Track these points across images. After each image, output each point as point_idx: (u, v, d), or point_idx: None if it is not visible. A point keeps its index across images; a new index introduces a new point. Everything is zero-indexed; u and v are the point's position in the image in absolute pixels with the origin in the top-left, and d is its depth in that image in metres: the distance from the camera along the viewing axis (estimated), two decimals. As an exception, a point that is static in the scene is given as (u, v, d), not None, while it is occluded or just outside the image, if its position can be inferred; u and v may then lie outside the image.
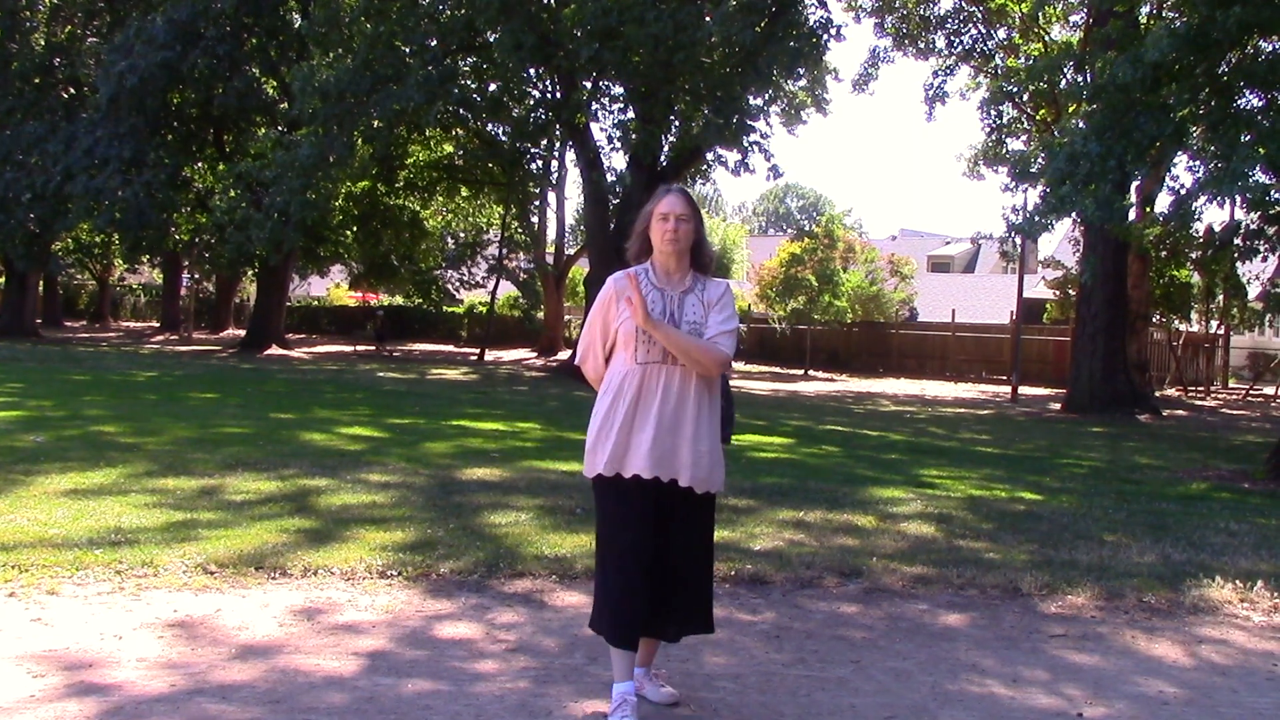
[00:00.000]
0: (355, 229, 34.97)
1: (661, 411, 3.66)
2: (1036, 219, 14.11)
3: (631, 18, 20.14)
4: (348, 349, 33.67)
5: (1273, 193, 12.03)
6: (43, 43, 30.55)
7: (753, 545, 6.22)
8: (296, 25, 28.34)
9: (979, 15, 26.06)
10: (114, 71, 25.03)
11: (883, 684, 4.14)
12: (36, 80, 29.60)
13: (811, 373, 32.51)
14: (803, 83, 28.18)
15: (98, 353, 25.47)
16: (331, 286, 50.92)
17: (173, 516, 6.30)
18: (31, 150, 27.35)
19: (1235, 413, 23.45)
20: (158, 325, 43.70)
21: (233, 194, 26.01)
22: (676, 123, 24.12)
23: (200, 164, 32.17)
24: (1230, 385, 34.02)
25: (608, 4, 20.18)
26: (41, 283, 36.63)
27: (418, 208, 36.21)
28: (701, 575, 3.82)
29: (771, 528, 6.79)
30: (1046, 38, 25.18)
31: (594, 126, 26.41)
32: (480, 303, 41.43)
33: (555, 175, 35.62)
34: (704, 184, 67.92)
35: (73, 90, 30.55)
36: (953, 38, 26.66)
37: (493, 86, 26.54)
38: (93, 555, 5.30)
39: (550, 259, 38.12)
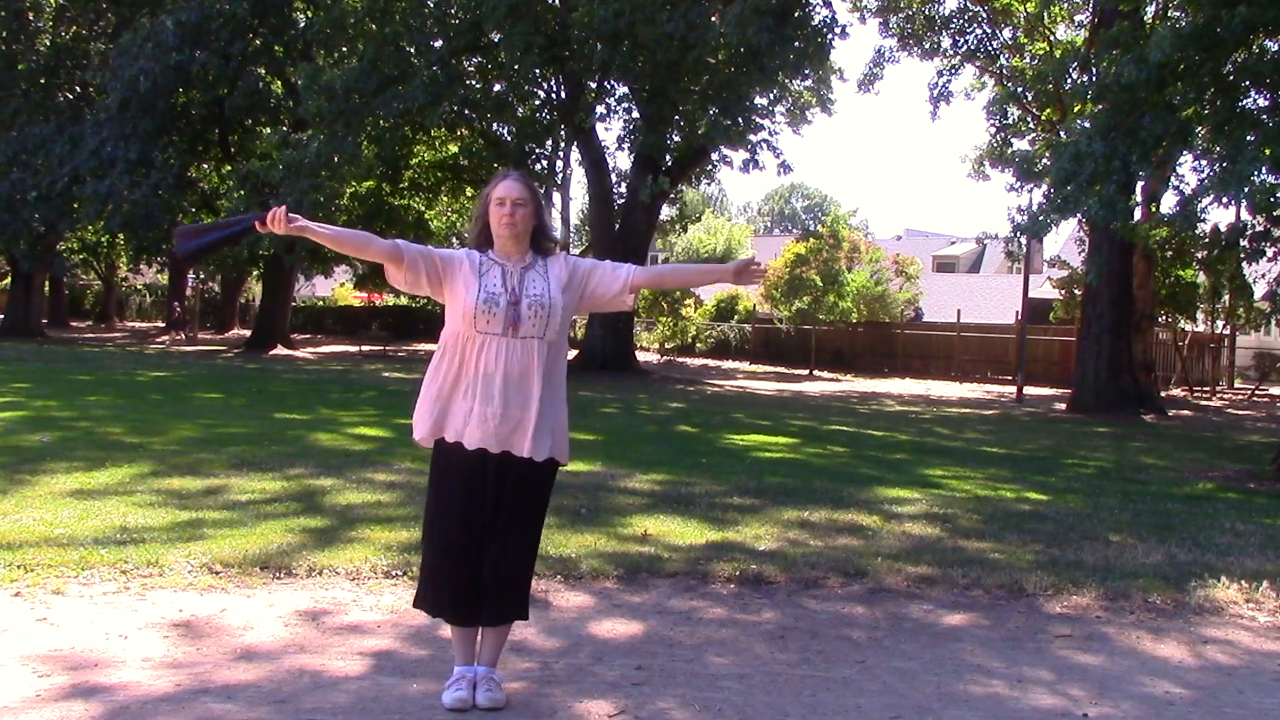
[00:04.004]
0: (360, 229, 34.94)
1: (506, 384, 3.62)
2: (1041, 219, 14.08)
3: (643, 18, 20.09)
4: (353, 349, 33.70)
5: (1278, 194, 12.00)
6: (48, 43, 30.61)
7: (757, 545, 6.22)
8: (302, 25, 28.35)
9: (984, 15, 26.01)
10: (126, 75, 25.02)
11: (888, 684, 4.14)
12: (42, 81, 29.67)
13: (816, 373, 32.48)
14: (808, 82, 28.16)
15: (103, 353, 25.53)
16: (336, 286, 50.95)
17: (178, 516, 6.31)
18: (37, 151, 27.40)
19: (1241, 413, 23.40)
20: (163, 325, 43.79)
21: (239, 194, 26.03)
22: (682, 123, 24.11)
23: (205, 164, 32.19)
24: (1236, 385, 33.91)
25: (619, 7, 20.14)
26: (47, 283, 36.71)
27: (422, 208, 36.25)
28: (522, 553, 3.74)
29: (776, 528, 6.79)
30: (1052, 38, 25.13)
31: (599, 126, 26.43)
32: (485, 303, 41.43)
33: (560, 175, 35.62)
34: (709, 184, 68.00)
35: (79, 90, 30.60)
36: (958, 38, 26.59)
37: (498, 87, 26.55)
38: (98, 555, 5.31)
39: (555, 259, 38.11)
